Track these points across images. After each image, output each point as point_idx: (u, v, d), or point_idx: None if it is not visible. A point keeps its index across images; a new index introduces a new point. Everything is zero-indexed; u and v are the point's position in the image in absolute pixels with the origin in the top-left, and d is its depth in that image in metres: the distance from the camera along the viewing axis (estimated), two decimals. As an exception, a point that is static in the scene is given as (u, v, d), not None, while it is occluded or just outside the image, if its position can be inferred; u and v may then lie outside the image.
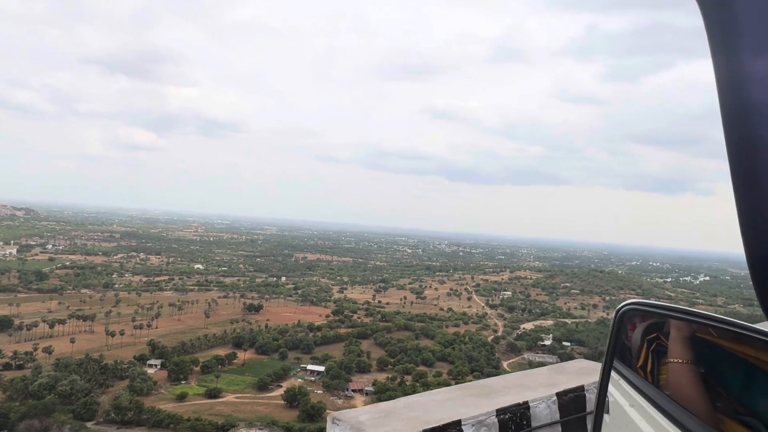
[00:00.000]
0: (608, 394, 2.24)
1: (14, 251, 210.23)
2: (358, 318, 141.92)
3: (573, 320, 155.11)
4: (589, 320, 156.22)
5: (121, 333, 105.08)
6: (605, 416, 2.25)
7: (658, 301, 2.25)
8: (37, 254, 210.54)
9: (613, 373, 2.25)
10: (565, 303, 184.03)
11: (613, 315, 2.24)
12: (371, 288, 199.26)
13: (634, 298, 2.29)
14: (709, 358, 1.91)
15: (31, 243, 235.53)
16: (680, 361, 1.88)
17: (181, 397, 79.41)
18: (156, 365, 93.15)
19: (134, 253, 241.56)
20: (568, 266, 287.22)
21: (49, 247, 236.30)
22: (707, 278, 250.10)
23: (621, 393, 2.22)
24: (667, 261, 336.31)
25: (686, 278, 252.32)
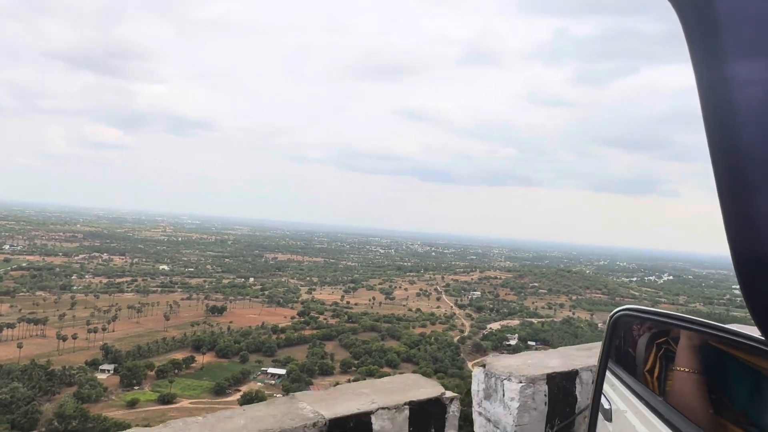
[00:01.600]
0: (603, 396, 2.24)
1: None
2: (325, 319, 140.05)
3: (539, 320, 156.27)
4: (555, 320, 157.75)
5: (74, 337, 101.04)
6: (600, 417, 2.25)
7: (652, 307, 2.27)
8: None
9: (609, 376, 2.25)
10: (533, 303, 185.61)
11: (607, 320, 2.24)
12: (340, 289, 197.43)
13: (629, 303, 2.26)
14: (713, 367, 1.89)
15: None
16: (683, 369, 1.86)
17: (132, 404, 76.50)
18: (108, 370, 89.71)
19: (97, 254, 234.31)
20: (538, 266, 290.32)
21: (6, 247, 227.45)
22: (671, 278, 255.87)
23: (618, 396, 2.21)
24: (633, 261, 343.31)
25: (651, 278, 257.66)
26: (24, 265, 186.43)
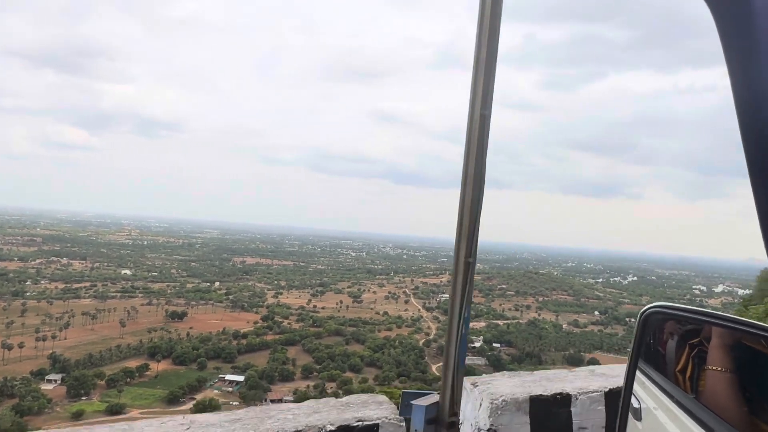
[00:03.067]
0: (633, 395, 2.22)
1: None
2: (289, 324, 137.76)
3: (505, 321, 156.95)
4: (521, 321, 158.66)
5: (20, 346, 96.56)
6: (630, 417, 2.23)
7: (682, 304, 2.30)
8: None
9: (639, 375, 2.22)
10: (500, 304, 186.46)
11: (637, 318, 2.20)
12: (308, 292, 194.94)
13: (658, 301, 2.24)
14: (747, 365, 1.84)
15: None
16: (716, 368, 1.82)
17: (78, 415, 73.07)
18: (56, 380, 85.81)
19: (55, 258, 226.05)
20: (508, 268, 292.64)
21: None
22: (635, 278, 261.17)
23: (648, 394, 2.19)
24: (600, 262, 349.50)
25: (616, 278, 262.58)
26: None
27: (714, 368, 1.84)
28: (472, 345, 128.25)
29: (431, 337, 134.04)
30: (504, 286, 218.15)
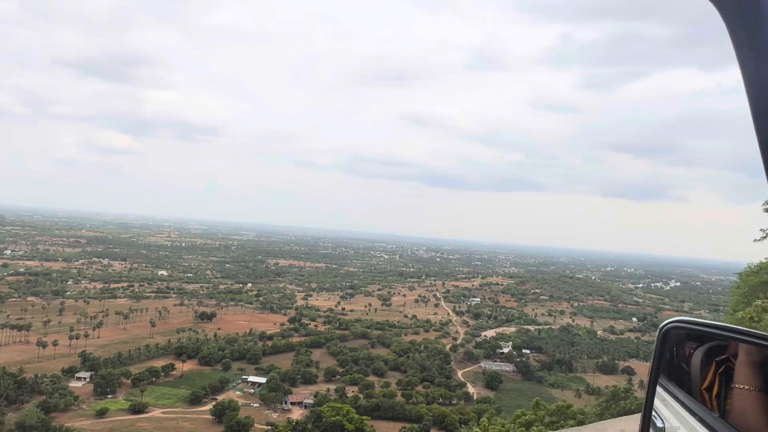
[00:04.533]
0: (654, 412, 2.19)
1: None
2: (315, 326, 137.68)
3: (537, 327, 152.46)
4: (554, 327, 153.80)
5: (54, 344, 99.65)
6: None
7: (704, 319, 2.22)
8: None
9: (660, 391, 2.18)
10: (533, 309, 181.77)
11: (657, 333, 2.16)
12: (338, 295, 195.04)
13: (678, 315, 2.15)
14: None
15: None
16: (743, 386, 1.76)
17: (101, 413, 74.61)
18: (85, 378, 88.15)
19: (97, 259, 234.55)
20: (544, 272, 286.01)
21: (8, 252, 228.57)
22: (678, 284, 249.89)
23: (670, 412, 2.14)
24: (641, 267, 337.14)
25: (657, 284, 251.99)
26: (21, 270, 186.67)
27: (741, 386, 1.76)
28: (501, 351, 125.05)
29: (459, 341, 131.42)
30: (537, 291, 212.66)
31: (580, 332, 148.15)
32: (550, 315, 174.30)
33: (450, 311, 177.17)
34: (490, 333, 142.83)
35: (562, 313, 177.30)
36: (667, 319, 2.18)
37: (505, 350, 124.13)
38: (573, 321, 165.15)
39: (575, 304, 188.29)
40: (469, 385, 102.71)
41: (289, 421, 60.02)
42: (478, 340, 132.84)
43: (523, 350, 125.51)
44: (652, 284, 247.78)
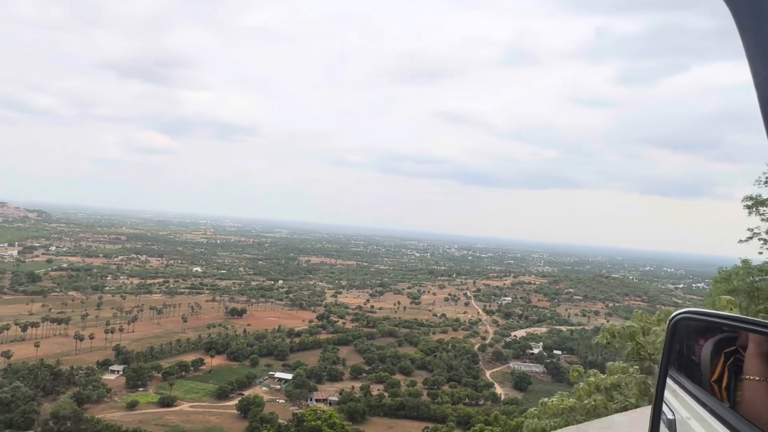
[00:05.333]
0: (664, 403, 2.18)
1: (15, 253, 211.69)
2: (343, 323, 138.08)
3: (569, 327, 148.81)
4: (587, 327, 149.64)
5: (91, 337, 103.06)
6: (663, 427, 2.19)
7: (714, 310, 2.28)
8: (38, 256, 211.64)
9: (670, 383, 2.19)
10: (566, 309, 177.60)
11: (667, 324, 2.16)
12: (367, 292, 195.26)
13: (689, 306, 2.25)
14: None
15: (36, 245, 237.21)
16: (753, 377, 1.74)
17: (132, 406, 76.64)
18: (118, 371, 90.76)
19: (135, 256, 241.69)
20: (579, 271, 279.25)
21: (53, 248, 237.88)
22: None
23: (680, 404, 2.14)
24: (682, 267, 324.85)
25: (699, 284, 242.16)
26: (64, 265, 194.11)
27: (752, 377, 1.75)
28: (531, 351, 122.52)
29: (487, 341, 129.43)
30: (571, 290, 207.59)
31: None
32: (584, 315, 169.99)
33: (480, 310, 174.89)
34: (520, 333, 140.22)
35: (596, 313, 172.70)
36: (678, 310, 2.16)
37: (536, 351, 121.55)
38: (608, 322, 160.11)
39: (610, 305, 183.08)
40: (496, 385, 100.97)
41: (272, 424, 60.28)
42: (508, 340, 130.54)
43: (554, 351, 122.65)
44: (693, 285, 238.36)
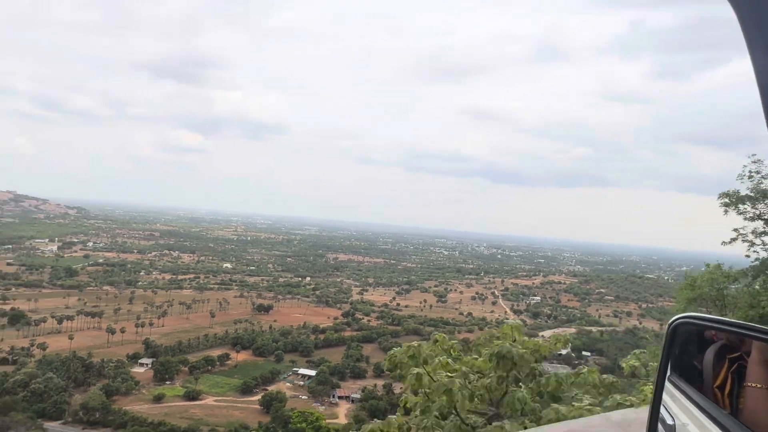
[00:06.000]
0: (663, 408, 2.15)
1: (55, 248, 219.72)
2: (368, 321, 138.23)
3: (599, 328, 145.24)
4: (618, 329, 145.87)
5: (122, 330, 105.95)
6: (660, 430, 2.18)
7: (716, 315, 2.26)
8: (76, 251, 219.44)
9: (670, 387, 2.15)
10: (597, 310, 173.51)
11: (666, 328, 2.14)
12: (394, 290, 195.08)
13: (688, 312, 2.16)
14: None
15: (74, 240, 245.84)
16: (756, 385, 1.70)
17: (159, 398, 78.40)
18: (147, 364, 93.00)
19: (168, 252, 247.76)
20: (611, 271, 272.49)
21: (90, 244, 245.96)
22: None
23: (680, 409, 2.11)
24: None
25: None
26: (100, 261, 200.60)
27: (754, 385, 1.70)
28: (558, 352, 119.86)
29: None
30: (603, 290, 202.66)
31: (648, 335, 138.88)
32: (615, 316, 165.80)
33: (507, 309, 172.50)
34: (548, 333, 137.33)
35: (628, 314, 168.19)
36: (677, 314, 2.14)
37: (563, 352, 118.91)
38: (640, 323, 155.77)
39: (643, 306, 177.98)
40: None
41: (260, 425, 60.65)
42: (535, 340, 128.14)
43: (583, 352, 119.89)
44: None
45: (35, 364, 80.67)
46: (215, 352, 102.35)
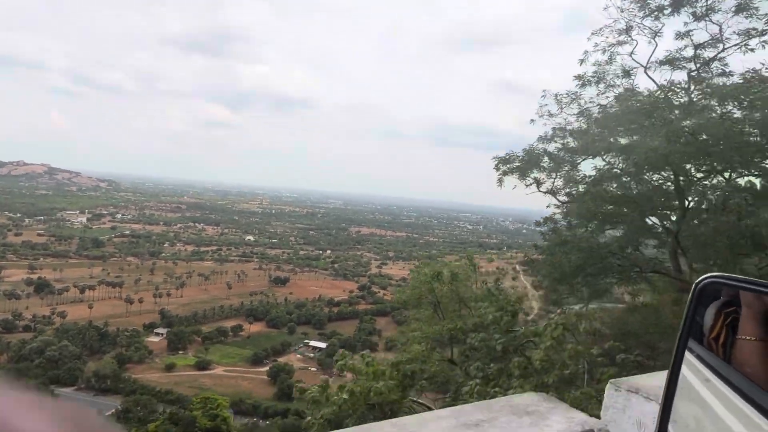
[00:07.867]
0: (681, 373, 2.13)
1: (84, 219, 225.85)
2: (383, 294, 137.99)
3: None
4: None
5: (140, 300, 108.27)
6: (677, 394, 2.14)
7: (743, 275, 2.19)
8: (104, 223, 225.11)
9: (686, 353, 2.12)
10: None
11: (691, 289, 2.06)
12: (413, 264, 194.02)
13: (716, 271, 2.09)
14: None
15: (104, 212, 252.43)
16: (753, 338, 1.76)
17: (170, 367, 80.00)
18: (162, 334, 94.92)
19: (193, 224, 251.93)
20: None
21: (119, 216, 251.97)
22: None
23: (693, 372, 2.10)
24: None
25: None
26: (127, 232, 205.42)
27: (746, 338, 1.79)
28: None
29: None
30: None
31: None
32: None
33: (528, 285, 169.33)
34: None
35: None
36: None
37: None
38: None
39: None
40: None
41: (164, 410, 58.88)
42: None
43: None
44: None
45: (53, 331, 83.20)
46: (229, 323, 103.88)
